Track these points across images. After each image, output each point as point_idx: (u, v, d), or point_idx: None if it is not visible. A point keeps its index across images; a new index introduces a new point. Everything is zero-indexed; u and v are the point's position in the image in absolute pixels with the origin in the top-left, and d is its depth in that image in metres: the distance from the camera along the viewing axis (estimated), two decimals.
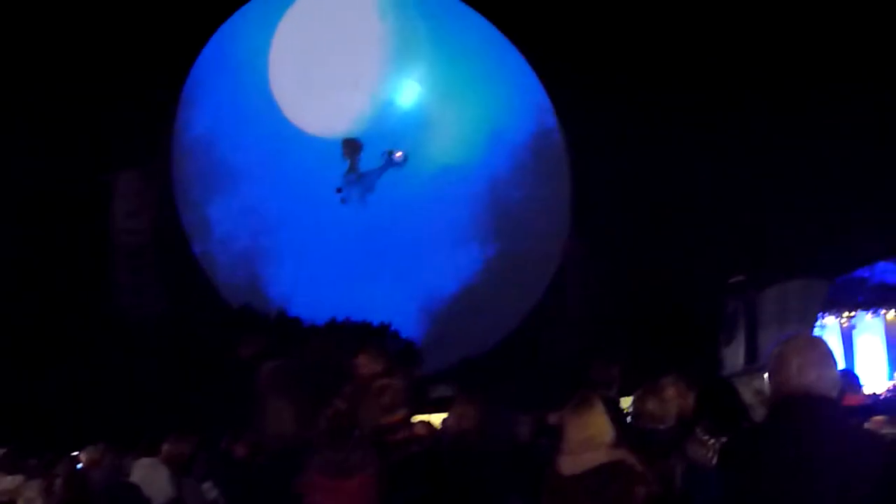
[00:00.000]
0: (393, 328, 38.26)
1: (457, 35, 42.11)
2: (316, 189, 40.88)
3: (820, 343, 4.45)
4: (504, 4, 39.46)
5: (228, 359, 9.96)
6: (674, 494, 7.11)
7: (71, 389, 31.28)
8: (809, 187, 30.41)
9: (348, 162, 41.69)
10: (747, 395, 7.67)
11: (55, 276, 34.08)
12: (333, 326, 36.27)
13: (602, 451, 6.43)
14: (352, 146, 41.53)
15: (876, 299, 21.74)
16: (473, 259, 42.90)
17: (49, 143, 33.98)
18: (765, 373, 4.76)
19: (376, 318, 37.59)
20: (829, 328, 21.45)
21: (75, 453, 16.25)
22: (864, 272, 21.50)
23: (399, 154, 41.59)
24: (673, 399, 7.86)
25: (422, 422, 13.92)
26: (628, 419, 8.82)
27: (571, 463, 6.48)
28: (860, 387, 9.16)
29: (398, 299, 39.46)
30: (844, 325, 21.88)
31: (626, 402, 9.99)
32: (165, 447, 12.37)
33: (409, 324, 39.32)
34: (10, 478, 9.64)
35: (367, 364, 8.82)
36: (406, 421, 8.60)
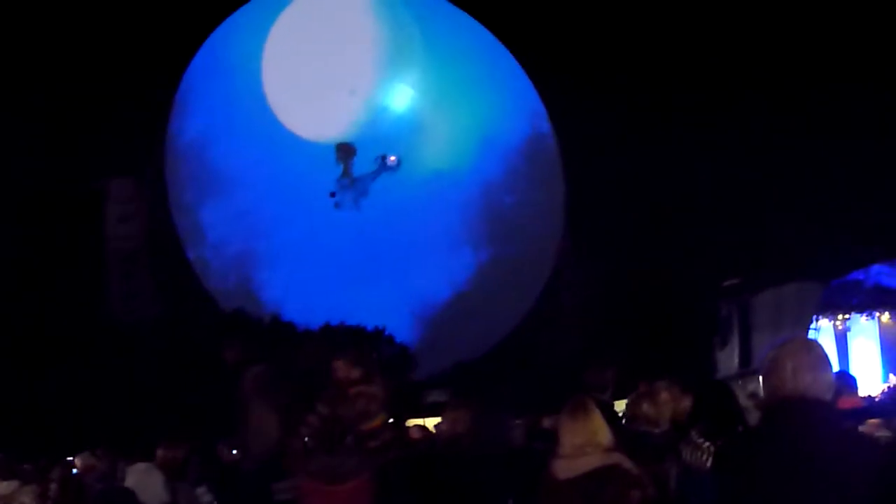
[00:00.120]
0: (387, 333, 38.25)
1: (450, 40, 42.12)
2: (309, 193, 40.83)
3: (815, 346, 4.45)
4: (498, 9, 39.48)
5: (222, 363, 9.90)
6: (669, 498, 7.10)
7: (65, 394, 31.23)
8: (804, 190, 30.44)
9: (342, 166, 41.67)
10: (742, 397, 7.68)
11: (49, 282, 34.03)
12: (327, 331, 36.24)
13: (597, 454, 6.42)
14: (345, 151, 41.51)
15: (871, 302, 21.71)
16: (467, 264, 42.88)
17: (42, 149, 33.95)
18: (759, 376, 4.76)
19: (370, 323, 37.57)
20: (823, 331, 21.42)
21: (70, 458, 16.24)
22: (858, 275, 21.49)
23: (393, 158, 41.57)
24: (667, 402, 7.87)
25: (416, 426, 13.94)
26: (623, 422, 8.82)
27: (566, 466, 6.48)
28: (856, 388, 9.16)
29: (392, 304, 39.42)
30: (839, 328, 21.86)
31: (620, 406, 9.99)
32: (160, 452, 12.35)
33: (402, 328, 39.29)
34: (4, 483, 9.61)
35: (343, 370, 8.79)
36: (385, 427, 8.58)
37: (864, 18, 29.85)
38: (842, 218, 26.40)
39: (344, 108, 39.87)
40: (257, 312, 37.38)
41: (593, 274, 40.02)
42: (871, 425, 7.43)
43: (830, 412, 4.37)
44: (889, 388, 19.96)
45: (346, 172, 41.49)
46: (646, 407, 7.93)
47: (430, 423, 17.07)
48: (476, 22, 41.66)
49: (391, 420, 8.80)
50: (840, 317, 21.73)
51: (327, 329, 36.28)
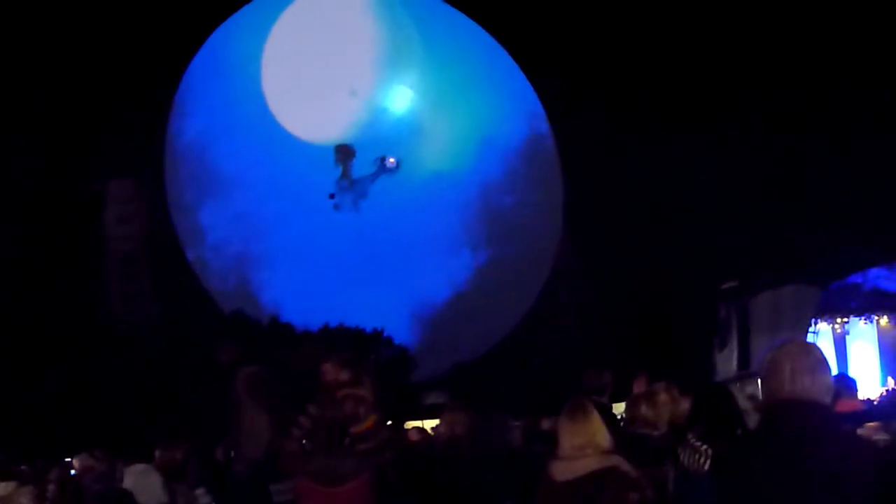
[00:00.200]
0: (386, 334, 38.23)
1: (449, 41, 42.13)
2: (308, 195, 40.83)
3: (813, 349, 4.45)
4: (496, 11, 39.49)
5: (219, 364, 9.89)
6: (667, 500, 7.10)
7: (63, 395, 31.21)
8: (803, 193, 30.45)
9: (341, 168, 41.68)
10: (741, 400, 7.68)
11: (48, 283, 34.02)
12: (326, 332, 36.23)
13: (596, 457, 6.42)
14: (344, 152, 41.51)
15: (869, 305, 21.74)
16: (466, 265, 42.87)
17: (42, 150, 33.95)
18: (758, 379, 4.76)
19: (369, 324, 37.56)
20: (822, 334, 21.46)
21: (68, 459, 16.23)
22: (857, 278, 21.51)
23: (392, 160, 41.58)
24: (666, 405, 7.87)
25: (415, 428, 13.94)
26: (621, 425, 8.82)
27: (565, 469, 6.48)
28: (856, 391, 9.16)
29: (391, 305, 39.40)
30: (837, 331, 21.89)
31: (618, 408, 10.00)
32: (158, 453, 12.35)
33: (401, 330, 39.28)
34: (2, 484, 9.60)
35: (331, 372, 8.79)
36: (376, 428, 8.58)
37: (863, 21, 29.87)
38: (840, 221, 26.41)
39: (343, 110, 39.89)
40: (256, 314, 37.37)
41: (592, 275, 40.00)
42: (869, 428, 7.43)
43: (829, 415, 4.37)
44: (887, 391, 19.97)
45: (345, 174, 41.48)
46: (644, 409, 7.93)
47: (429, 424, 17.07)
48: (474, 23, 41.66)
49: (382, 421, 8.79)
50: (838, 320, 21.76)
51: (326, 330, 36.28)
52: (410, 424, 16.29)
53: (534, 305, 41.18)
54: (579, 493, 6.34)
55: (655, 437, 7.74)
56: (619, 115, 34.12)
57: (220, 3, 37.98)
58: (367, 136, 40.43)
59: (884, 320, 21.91)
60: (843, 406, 8.29)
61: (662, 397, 7.95)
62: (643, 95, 34.25)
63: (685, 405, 7.95)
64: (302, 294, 38.41)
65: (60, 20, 33.77)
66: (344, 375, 8.72)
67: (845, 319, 21.83)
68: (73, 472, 14.14)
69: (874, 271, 21.35)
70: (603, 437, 6.54)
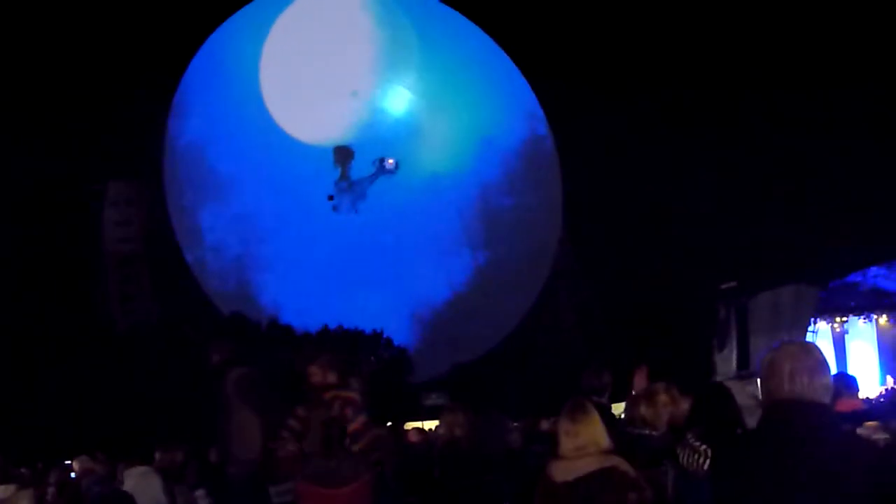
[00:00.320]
0: (385, 335, 38.28)
1: (448, 43, 42.19)
2: (307, 196, 40.88)
3: (812, 349, 4.44)
4: (496, 13, 39.51)
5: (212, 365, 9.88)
6: (666, 501, 7.09)
7: (63, 398, 31.20)
8: (802, 194, 30.46)
9: (340, 169, 41.72)
10: (742, 397, 7.65)
11: (47, 285, 34.01)
12: (325, 334, 36.26)
13: (595, 457, 6.41)
14: (343, 154, 41.58)
15: (868, 304, 21.72)
16: (465, 266, 42.97)
17: (41, 152, 33.94)
18: (757, 379, 4.76)
19: (368, 326, 37.60)
20: (821, 333, 21.43)
21: (68, 462, 16.21)
22: (856, 277, 21.48)
23: (391, 161, 41.64)
24: (666, 405, 7.84)
25: (414, 428, 13.94)
26: (621, 425, 8.80)
27: (564, 469, 6.47)
28: (856, 390, 9.13)
29: (390, 306, 39.47)
30: (837, 331, 21.87)
31: (617, 409, 9.98)
32: (158, 455, 12.34)
33: (401, 330, 39.36)
34: (2, 487, 9.58)
35: (318, 375, 8.78)
36: (366, 429, 8.56)
37: (862, 21, 29.88)
38: (839, 221, 26.43)
39: (341, 111, 39.91)
40: (256, 315, 37.40)
41: (591, 276, 40.00)
42: (868, 428, 7.41)
43: (828, 415, 4.36)
44: (886, 390, 19.97)
45: (343, 175, 41.54)
46: (643, 409, 7.91)
47: (429, 425, 17.07)
48: (473, 25, 41.70)
49: (371, 422, 8.78)
50: (838, 319, 21.75)
51: (325, 332, 36.29)
52: (410, 425, 16.29)
53: (533, 306, 41.21)
54: (579, 493, 6.33)
55: (654, 438, 7.72)
56: (618, 117, 34.17)
57: (218, 5, 38.02)
58: (365, 138, 40.48)
59: (883, 319, 21.90)
60: (844, 405, 8.26)
61: (662, 398, 7.92)
62: (642, 97, 34.30)
63: (685, 406, 7.94)
64: (301, 295, 38.47)
65: (60, 22, 33.78)
66: (331, 377, 8.71)
67: (844, 319, 21.82)
68: (72, 474, 14.12)
69: (873, 270, 21.31)
70: (602, 437, 6.53)
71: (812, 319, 20.84)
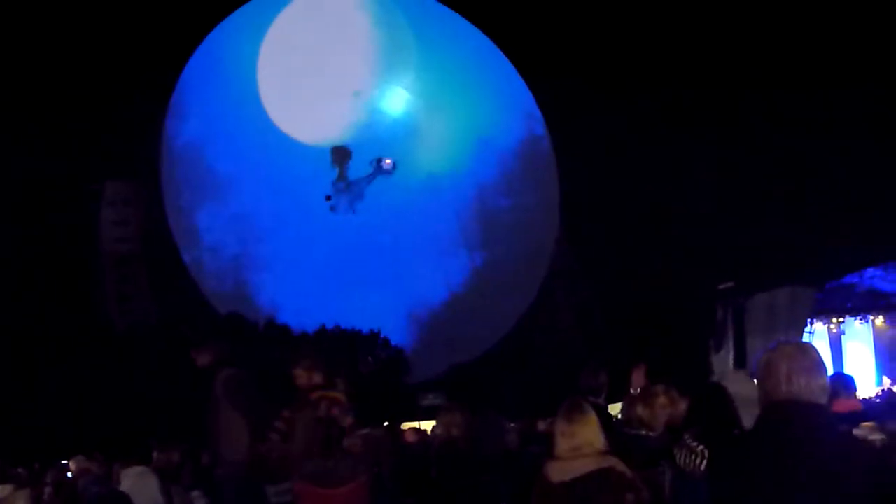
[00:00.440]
0: (383, 335, 38.28)
1: (445, 43, 42.17)
2: (305, 197, 40.87)
3: (809, 349, 4.44)
4: (493, 13, 39.50)
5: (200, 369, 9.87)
6: (663, 501, 7.10)
7: (60, 398, 31.18)
8: (799, 195, 30.48)
9: (337, 170, 41.71)
10: (741, 387, 7.63)
11: (44, 285, 33.99)
12: (323, 334, 36.25)
13: (592, 458, 6.42)
14: (341, 154, 41.56)
15: (864, 305, 21.76)
16: (462, 266, 42.94)
17: (39, 151, 33.92)
18: (754, 379, 4.77)
19: (366, 326, 37.59)
20: (818, 334, 21.47)
21: (64, 462, 16.22)
22: (852, 278, 21.51)
23: (388, 161, 41.63)
24: (664, 407, 7.85)
25: (412, 429, 13.95)
26: (618, 426, 8.81)
27: (561, 470, 6.48)
28: (854, 390, 9.14)
29: (388, 306, 39.45)
30: (833, 331, 21.91)
31: (614, 409, 10.00)
32: (155, 455, 12.34)
33: (398, 331, 39.34)
34: None
35: (303, 377, 8.79)
36: (353, 429, 8.58)
37: (862, 21, 29.91)
38: (836, 222, 26.44)
39: (339, 112, 39.89)
40: (253, 315, 37.38)
41: (589, 276, 40.01)
42: (865, 428, 7.42)
43: (825, 416, 4.37)
44: (883, 390, 20.00)
45: (341, 176, 41.52)
46: (640, 410, 7.92)
47: (426, 425, 17.08)
48: (471, 25, 41.69)
49: (358, 423, 8.80)
50: (834, 320, 21.79)
51: (323, 332, 36.29)
52: (407, 425, 16.31)
53: (531, 306, 41.20)
54: (575, 494, 6.34)
55: (651, 438, 7.73)
56: (616, 116, 34.17)
57: (216, 5, 37.99)
58: (363, 138, 40.45)
59: (879, 320, 21.94)
60: (841, 406, 8.28)
61: (661, 399, 7.93)
62: (640, 96, 34.28)
63: (683, 407, 7.95)
64: (298, 295, 38.44)
65: (58, 22, 33.76)
66: (317, 378, 8.72)
67: (841, 319, 21.87)
68: (69, 474, 14.12)
69: (870, 271, 21.35)
70: (599, 438, 6.54)
71: (809, 320, 20.86)
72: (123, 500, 10.48)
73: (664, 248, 32.76)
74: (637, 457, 7.09)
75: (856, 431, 6.97)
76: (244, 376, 9.64)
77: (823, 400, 4.34)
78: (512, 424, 14.04)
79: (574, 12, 35.68)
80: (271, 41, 39.97)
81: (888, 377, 21.08)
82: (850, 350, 22.03)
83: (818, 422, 4.29)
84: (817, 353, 4.44)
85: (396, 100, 42.20)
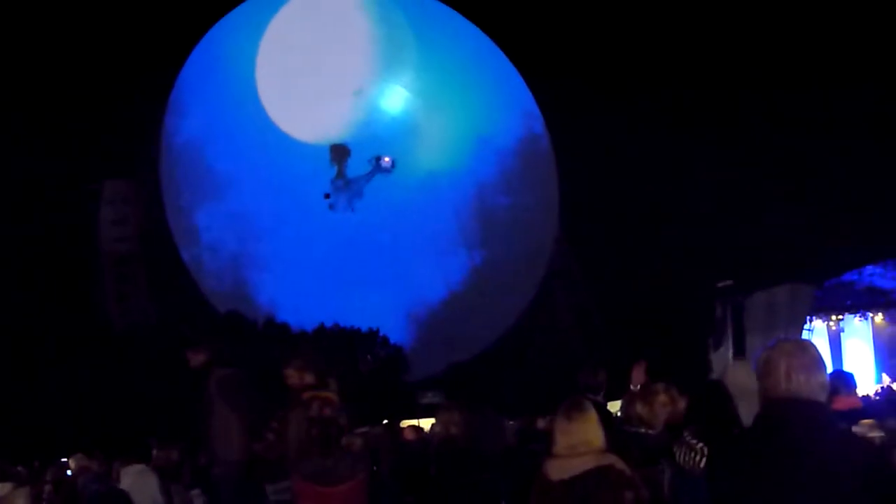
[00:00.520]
0: (382, 334, 38.27)
1: (445, 41, 42.16)
2: (304, 195, 40.85)
3: (809, 347, 4.44)
4: (492, 12, 39.49)
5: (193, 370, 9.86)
6: (662, 499, 7.10)
7: (60, 396, 31.18)
8: (799, 193, 30.48)
9: (336, 168, 41.69)
10: (740, 376, 7.62)
11: (43, 284, 33.97)
12: (322, 332, 36.24)
13: (591, 455, 6.42)
14: (340, 152, 41.53)
15: (864, 303, 21.80)
16: (461, 265, 42.93)
17: (38, 150, 33.91)
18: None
19: (365, 324, 37.58)
20: (817, 331, 21.51)
21: (64, 460, 16.22)
22: (852, 276, 21.54)
23: (387, 159, 41.61)
24: (665, 405, 7.84)
25: (410, 427, 13.95)
26: (617, 423, 8.81)
27: (560, 467, 6.47)
28: (854, 387, 9.14)
29: (387, 305, 39.44)
30: (832, 329, 21.95)
31: (614, 407, 10.00)
32: (154, 454, 12.34)
33: (397, 329, 39.34)
34: None
35: (294, 377, 8.79)
36: (346, 430, 8.58)
37: (861, 21, 29.93)
38: (835, 220, 26.46)
39: (338, 110, 39.87)
40: (252, 314, 37.37)
41: (588, 275, 40.00)
42: (864, 425, 7.41)
43: (824, 413, 4.36)
44: (882, 388, 20.02)
45: (340, 174, 41.51)
46: (639, 408, 7.91)
47: (425, 423, 17.08)
48: (470, 24, 41.69)
49: (350, 423, 8.81)
50: (834, 317, 21.83)
51: (322, 330, 36.28)
52: (406, 423, 16.31)
53: (530, 305, 41.20)
54: (575, 491, 6.34)
55: (651, 436, 7.72)
56: (615, 116, 34.16)
57: (214, 3, 37.99)
58: (362, 136, 40.44)
59: (878, 318, 21.98)
60: (841, 403, 8.27)
61: (661, 398, 7.92)
62: (639, 96, 34.28)
63: (684, 405, 7.94)
64: (298, 294, 38.42)
65: (57, 20, 33.75)
66: (308, 378, 8.72)
67: (840, 317, 21.91)
68: (69, 472, 14.12)
69: (869, 269, 21.38)
70: (599, 436, 6.53)
71: (808, 318, 20.89)
72: (123, 498, 10.48)
73: (663, 247, 32.78)
74: (636, 455, 7.08)
75: (855, 429, 6.97)
76: (239, 376, 9.63)
77: (823, 397, 4.34)
78: (511, 422, 14.04)
79: (574, 12, 35.68)
80: (270, 39, 39.95)
81: (887, 374, 21.10)
82: (849, 347, 22.06)
83: (818, 419, 4.29)
84: (817, 351, 4.44)
85: (395, 98, 42.19)
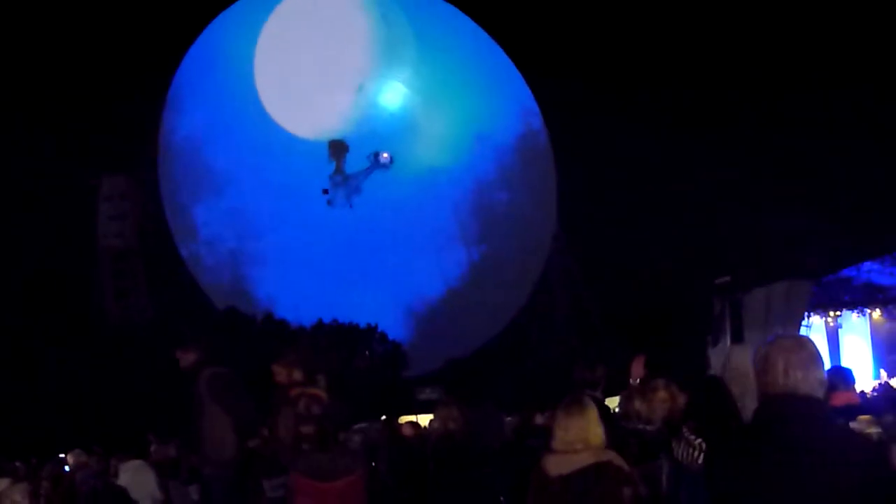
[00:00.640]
0: (380, 330, 38.26)
1: (443, 38, 42.14)
2: (302, 191, 40.86)
3: (807, 343, 4.43)
4: (491, 7, 39.47)
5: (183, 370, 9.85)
6: (660, 495, 7.11)
7: (58, 392, 31.17)
8: (796, 189, 30.48)
9: (334, 164, 41.68)
10: (740, 358, 7.61)
11: (40, 281, 33.96)
12: (320, 328, 36.23)
13: (590, 451, 6.42)
14: (338, 148, 41.53)
15: (862, 299, 21.81)
16: (460, 261, 42.96)
17: (37, 146, 33.89)
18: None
19: (363, 320, 37.58)
20: (815, 327, 21.52)
21: (62, 456, 16.22)
22: (850, 272, 21.55)
23: (385, 156, 41.62)
24: (664, 401, 7.84)
25: (408, 422, 13.95)
26: (616, 420, 8.81)
27: (559, 463, 6.48)
28: (852, 383, 9.14)
29: (385, 301, 39.44)
30: (830, 325, 21.96)
31: (611, 403, 10.00)
32: (152, 450, 12.34)
33: (396, 325, 39.33)
34: None
35: (282, 374, 8.81)
36: (331, 427, 8.59)
37: (861, 24, 29.95)
38: (833, 216, 26.46)
39: (336, 106, 39.86)
40: (250, 309, 37.37)
41: (586, 270, 40.01)
42: (862, 422, 7.41)
43: (822, 409, 4.36)
44: (880, 384, 20.03)
45: (338, 169, 41.50)
46: (638, 404, 7.92)
47: (424, 419, 17.09)
48: (469, 20, 41.67)
49: (345, 418, 8.84)
50: (831, 313, 21.84)
51: (320, 326, 36.28)
52: (404, 419, 16.31)
53: (528, 301, 41.22)
54: (573, 487, 6.34)
55: (649, 432, 7.73)
56: (613, 112, 34.16)
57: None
58: (360, 132, 40.44)
59: (876, 314, 21.99)
60: (839, 399, 8.26)
61: (661, 394, 7.92)
62: (638, 93, 34.29)
63: (683, 401, 7.94)
64: (296, 290, 38.42)
65: (55, 17, 33.72)
66: (297, 375, 8.74)
67: (838, 313, 21.92)
68: (66, 468, 14.12)
69: (867, 265, 21.38)
70: (599, 433, 6.54)
71: (806, 314, 20.90)
72: (121, 494, 10.49)
73: (661, 243, 32.77)
74: (634, 450, 7.09)
75: (853, 425, 6.97)
76: (228, 375, 9.62)
77: (820, 393, 4.34)
78: (509, 418, 14.04)
79: (573, 9, 35.68)
80: (268, 36, 39.93)
81: (885, 370, 21.12)
82: (847, 343, 22.08)
83: (815, 415, 4.29)
84: (815, 347, 4.44)
85: (394, 94, 42.19)
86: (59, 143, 34.08)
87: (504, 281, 40.67)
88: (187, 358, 9.66)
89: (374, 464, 10.97)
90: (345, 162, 41.50)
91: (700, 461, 6.01)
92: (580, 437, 6.49)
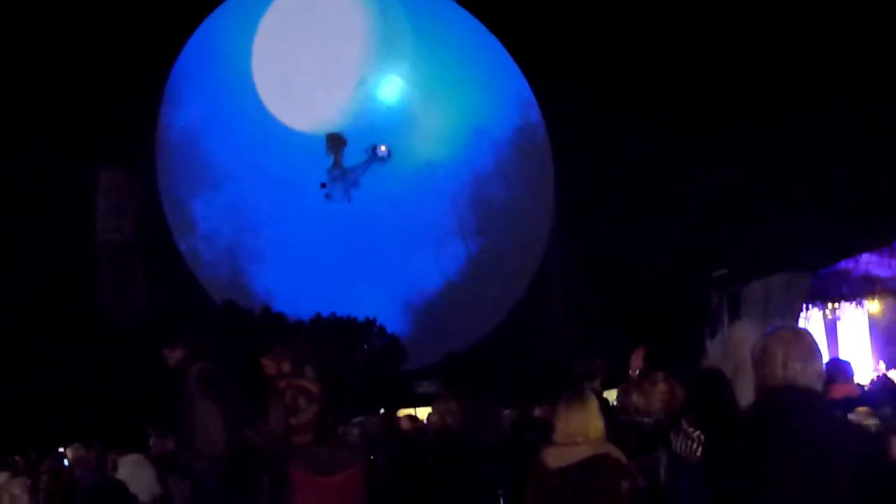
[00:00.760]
0: (378, 324, 38.27)
1: (441, 31, 42.09)
2: (300, 185, 40.82)
3: (805, 335, 4.44)
4: (490, 2, 39.43)
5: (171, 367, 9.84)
6: (659, 487, 7.12)
7: (57, 387, 31.18)
8: (794, 181, 30.49)
9: (332, 157, 41.64)
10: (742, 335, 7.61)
11: (40, 275, 33.95)
12: (318, 322, 36.23)
13: (589, 444, 6.43)
14: (335, 141, 41.46)
15: (860, 291, 21.80)
16: (457, 254, 42.91)
17: (35, 141, 33.85)
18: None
19: (361, 314, 37.57)
20: (813, 320, 21.51)
21: (61, 450, 16.23)
22: (847, 264, 21.54)
23: (383, 149, 41.57)
24: (664, 393, 7.85)
25: (406, 416, 13.95)
26: (615, 412, 8.82)
27: (558, 455, 6.49)
28: (851, 376, 9.15)
29: (383, 295, 39.43)
30: (828, 317, 21.95)
31: (609, 395, 10.01)
32: (151, 444, 12.34)
33: (393, 319, 39.31)
34: None
35: (271, 366, 8.80)
36: (316, 418, 8.58)
37: (861, 24, 29.97)
38: (831, 208, 26.48)
39: (334, 99, 39.83)
40: (248, 304, 37.33)
41: (584, 264, 40.02)
42: (860, 414, 7.43)
43: (820, 401, 4.37)
44: (878, 376, 20.02)
45: (336, 163, 41.45)
46: (636, 397, 7.93)
47: (422, 413, 17.10)
48: (467, 13, 41.63)
49: (326, 411, 8.81)
50: (830, 305, 21.82)
51: (318, 320, 36.27)
52: (403, 413, 16.31)
53: (526, 294, 41.22)
54: (571, 479, 6.35)
55: (647, 425, 7.74)
56: (611, 105, 34.14)
57: None
58: (358, 126, 40.38)
59: (875, 306, 21.98)
60: (837, 391, 8.27)
61: (661, 386, 7.93)
62: (635, 86, 34.27)
63: (683, 394, 7.95)
64: (294, 284, 38.39)
65: (52, 11, 33.66)
66: (285, 367, 8.74)
67: (836, 305, 21.90)
68: (65, 462, 14.12)
69: (865, 257, 21.38)
70: (598, 425, 6.55)
71: (804, 306, 20.91)
72: (119, 488, 10.50)
73: (659, 236, 32.76)
74: (632, 443, 7.11)
75: (851, 417, 6.98)
76: (217, 370, 9.61)
77: (819, 386, 4.34)
78: (507, 411, 14.04)
79: (573, 3, 35.66)
80: (266, 29, 39.86)
81: (884, 362, 21.11)
82: (845, 336, 22.07)
83: (814, 408, 4.29)
84: (813, 339, 4.44)
85: (392, 88, 42.13)
86: (55, 138, 34.01)
87: (502, 274, 40.64)
88: (174, 355, 9.66)
89: (372, 457, 10.96)
90: (343, 155, 41.43)
91: (699, 454, 6.03)
92: (580, 430, 6.50)
